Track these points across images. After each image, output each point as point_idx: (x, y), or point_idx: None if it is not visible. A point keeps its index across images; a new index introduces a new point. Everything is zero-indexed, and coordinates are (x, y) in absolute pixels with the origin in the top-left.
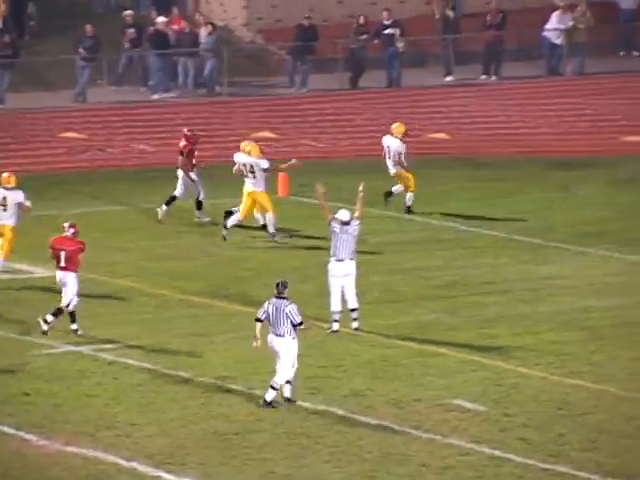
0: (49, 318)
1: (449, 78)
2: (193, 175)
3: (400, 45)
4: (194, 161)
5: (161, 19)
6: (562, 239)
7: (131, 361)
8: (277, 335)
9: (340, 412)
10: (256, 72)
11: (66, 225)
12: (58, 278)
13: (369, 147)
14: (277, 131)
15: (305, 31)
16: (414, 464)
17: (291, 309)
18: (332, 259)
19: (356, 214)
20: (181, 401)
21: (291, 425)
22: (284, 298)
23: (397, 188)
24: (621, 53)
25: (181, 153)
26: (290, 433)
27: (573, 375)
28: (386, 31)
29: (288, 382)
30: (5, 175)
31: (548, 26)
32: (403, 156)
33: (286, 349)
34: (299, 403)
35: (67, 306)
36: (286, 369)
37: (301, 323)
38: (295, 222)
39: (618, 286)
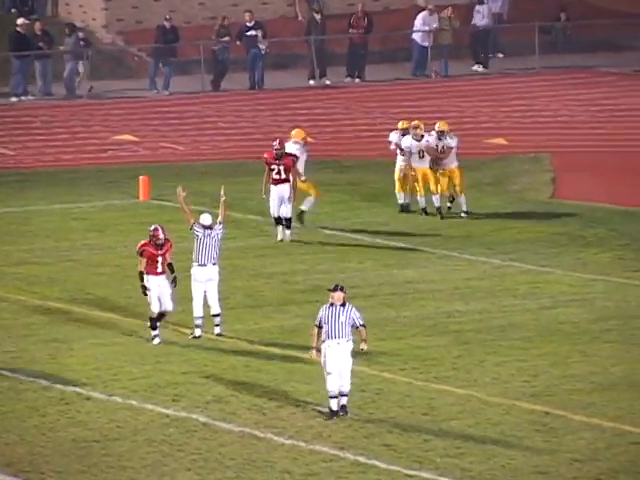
0: (155, 332)
1: (312, 81)
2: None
3: (263, 47)
4: None
5: (21, 21)
6: (427, 243)
7: None
8: (338, 343)
9: (202, 419)
10: (117, 74)
11: (157, 230)
12: (156, 284)
13: (231, 150)
14: (137, 134)
15: (166, 32)
16: (277, 471)
17: (354, 312)
18: (195, 264)
19: (219, 218)
20: (40, 408)
21: (152, 433)
22: (343, 305)
23: (308, 202)
24: (474, 64)
25: None
26: (151, 441)
27: (438, 380)
28: (248, 33)
29: (343, 394)
30: None
31: (415, 28)
32: (302, 164)
33: (348, 357)
34: (160, 410)
35: (162, 315)
36: (349, 376)
37: (364, 325)
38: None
39: (483, 290)
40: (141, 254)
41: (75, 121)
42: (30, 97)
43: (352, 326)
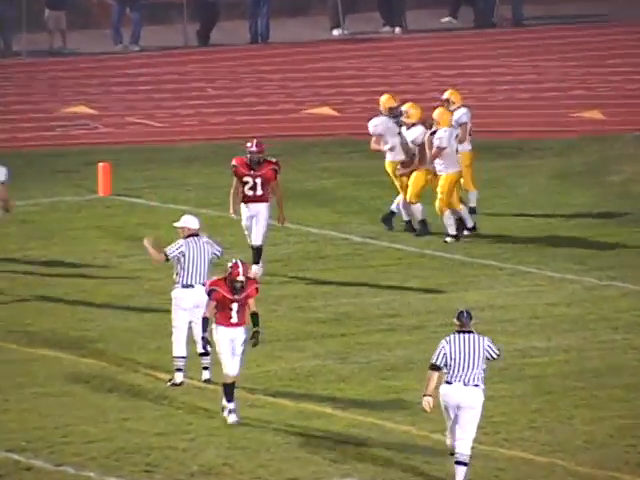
0: (231, 405)
1: (336, 32)
2: None
3: None
4: None
5: None
6: (493, 255)
7: None
8: (465, 384)
9: None
10: (67, 22)
11: (237, 266)
12: (228, 338)
13: (225, 127)
14: (96, 105)
15: None
16: None
17: (489, 343)
18: (177, 286)
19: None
20: None
21: None
22: (470, 332)
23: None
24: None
25: None
26: None
27: (510, 444)
28: None
29: (461, 462)
30: None
31: None
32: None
33: (479, 406)
34: None
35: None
36: (473, 432)
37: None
38: (124, 230)
39: (571, 320)
40: (209, 295)
41: (9, 87)
42: None
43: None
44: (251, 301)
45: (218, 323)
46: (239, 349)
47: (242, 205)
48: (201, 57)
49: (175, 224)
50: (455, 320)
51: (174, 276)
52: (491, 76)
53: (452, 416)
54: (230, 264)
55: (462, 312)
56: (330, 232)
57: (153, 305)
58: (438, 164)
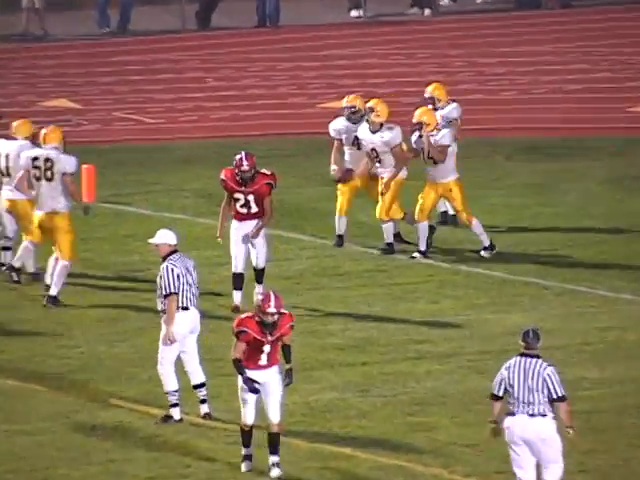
0: (246, 451)
1: (355, 13)
2: None
3: None
4: None
5: None
6: (537, 271)
7: None
8: (530, 415)
9: None
10: (47, 3)
11: (269, 299)
12: (263, 380)
13: (227, 123)
14: (78, 98)
15: None
16: None
17: (550, 373)
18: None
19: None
20: None
21: None
22: (536, 357)
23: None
24: None
25: None
26: None
27: None
28: None
29: None
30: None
31: None
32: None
33: (550, 436)
34: None
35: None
36: (558, 467)
37: (564, 397)
38: (112, 244)
39: (628, 346)
40: (238, 337)
41: None
42: None
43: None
44: (286, 338)
45: (244, 365)
46: (275, 393)
47: (233, 222)
48: (200, 42)
49: (151, 241)
50: (520, 341)
51: (159, 301)
52: (536, 65)
53: (519, 453)
54: (260, 296)
55: (528, 331)
56: (349, 245)
57: (144, 329)
58: (438, 171)
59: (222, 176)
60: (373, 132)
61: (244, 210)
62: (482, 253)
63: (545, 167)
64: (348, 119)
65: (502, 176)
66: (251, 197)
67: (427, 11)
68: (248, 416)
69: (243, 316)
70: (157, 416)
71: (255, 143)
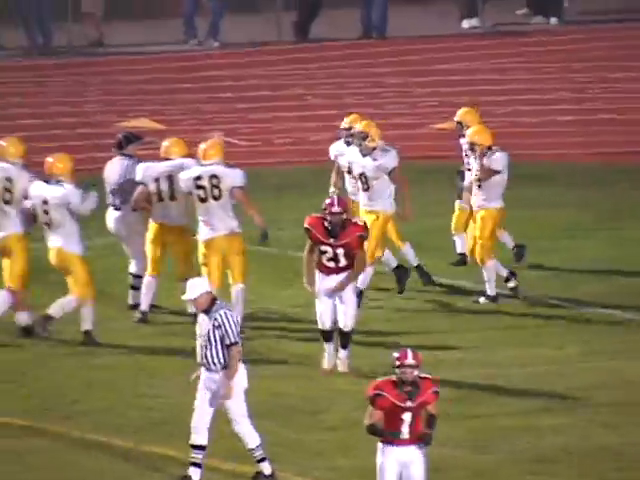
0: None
1: (468, 23)
2: None
3: None
4: None
5: None
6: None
7: None
8: None
9: None
10: (134, 13)
11: (406, 355)
12: (403, 459)
13: (328, 147)
14: (161, 117)
15: None
16: None
17: None
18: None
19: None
20: None
21: None
22: None
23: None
24: None
25: None
26: None
27: None
28: None
29: None
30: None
31: None
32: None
33: None
34: None
35: None
36: None
37: None
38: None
39: None
40: (372, 402)
41: (50, 94)
42: None
43: None
44: (432, 407)
45: (383, 441)
46: (420, 468)
47: (318, 274)
48: (299, 55)
49: (186, 297)
50: None
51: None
52: None
53: None
54: (397, 354)
55: None
56: (458, 281)
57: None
58: (478, 196)
59: (306, 224)
60: (364, 155)
61: (332, 264)
62: (479, 300)
63: None
64: (346, 142)
65: None
66: (340, 251)
67: (553, 19)
68: None
69: (381, 380)
70: (245, 475)
71: None
